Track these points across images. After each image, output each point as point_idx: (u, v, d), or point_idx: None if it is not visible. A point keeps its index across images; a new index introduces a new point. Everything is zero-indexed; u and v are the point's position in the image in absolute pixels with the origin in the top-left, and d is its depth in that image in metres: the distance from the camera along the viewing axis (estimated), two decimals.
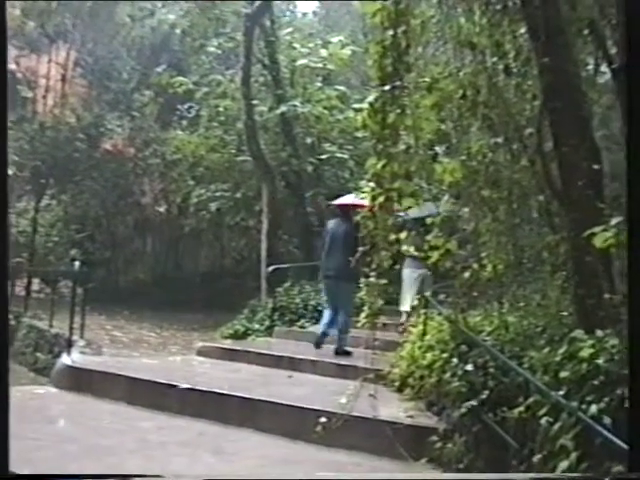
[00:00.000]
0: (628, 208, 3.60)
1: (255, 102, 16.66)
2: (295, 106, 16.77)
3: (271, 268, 13.83)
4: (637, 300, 3.48)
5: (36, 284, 19.75)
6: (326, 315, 10.11)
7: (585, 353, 4.73)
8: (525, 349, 5.81)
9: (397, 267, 6.53)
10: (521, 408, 5.01)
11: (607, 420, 4.24)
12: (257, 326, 12.78)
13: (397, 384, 7.71)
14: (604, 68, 8.21)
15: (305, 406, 6.81)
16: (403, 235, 6.46)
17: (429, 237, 6.76)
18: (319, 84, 17.81)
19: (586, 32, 7.52)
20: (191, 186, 19.29)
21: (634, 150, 3.52)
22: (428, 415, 6.66)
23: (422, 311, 8.30)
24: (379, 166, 6.29)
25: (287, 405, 6.95)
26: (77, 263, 12.11)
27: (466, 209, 7.41)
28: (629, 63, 3.62)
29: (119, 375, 7.93)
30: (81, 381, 8.14)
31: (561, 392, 4.70)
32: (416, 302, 8.83)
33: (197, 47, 20.35)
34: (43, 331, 13.22)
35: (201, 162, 18.79)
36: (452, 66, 6.91)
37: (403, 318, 10.57)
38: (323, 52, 17.67)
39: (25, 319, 14.74)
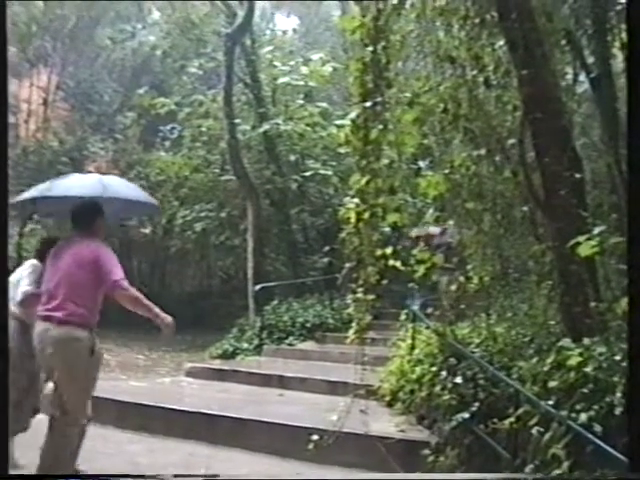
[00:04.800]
0: (629, 214, 3.63)
1: (238, 121, 16.67)
2: (278, 124, 16.80)
3: (258, 287, 13.80)
4: (637, 309, 3.49)
5: None
6: None
7: (573, 362, 4.76)
8: (514, 359, 5.83)
9: (384, 282, 6.51)
10: (512, 419, 5.02)
11: (597, 428, 4.25)
12: (246, 345, 12.73)
13: (387, 399, 7.70)
14: (582, 77, 8.30)
15: (296, 424, 6.80)
16: (389, 250, 6.46)
17: (415, 251, 6.77)
18: (301, 101, 17.84)
19: (563, 43, 7.60)
20: (176, 207, 19.22)
21: (635, 155, 3.55)
22: (419, 429, 6.65)
23: (410, 325, 8.30)
24: (363, 182, 6.31)
25: (278, 424, 6.93)
26: None
27: (451, 222, 7.45)
28: (630, 66, 3.66)
29: (108, 399, 7.87)
30: None
31: (551, 401, 4.71)
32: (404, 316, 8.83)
33: (178, 68, 20.37)
34: None
35: (185, 183, 18.77)
36: (432, 80, 6.95)
37: None
38: (304, 69, 17.72)
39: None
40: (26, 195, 5.88)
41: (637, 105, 3.57)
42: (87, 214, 5.32)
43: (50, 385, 5.15)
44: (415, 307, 8.84)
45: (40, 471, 4.91)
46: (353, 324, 6.70)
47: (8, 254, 3.55)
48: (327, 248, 16.13)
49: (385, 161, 6.48)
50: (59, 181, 5.83)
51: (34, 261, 5.71)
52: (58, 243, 5.39)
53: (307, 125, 17.25)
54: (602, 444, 4.00)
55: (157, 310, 5.15)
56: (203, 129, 18.49)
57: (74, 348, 4.93)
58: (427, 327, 7.86)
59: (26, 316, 5.44)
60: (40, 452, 4.96)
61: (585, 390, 4.59)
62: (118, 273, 5.03)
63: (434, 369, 6.71)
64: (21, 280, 5.54)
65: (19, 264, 5.85)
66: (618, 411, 4.22)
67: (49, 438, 4.99)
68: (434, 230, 9.65)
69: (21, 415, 5.47)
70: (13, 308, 5.38)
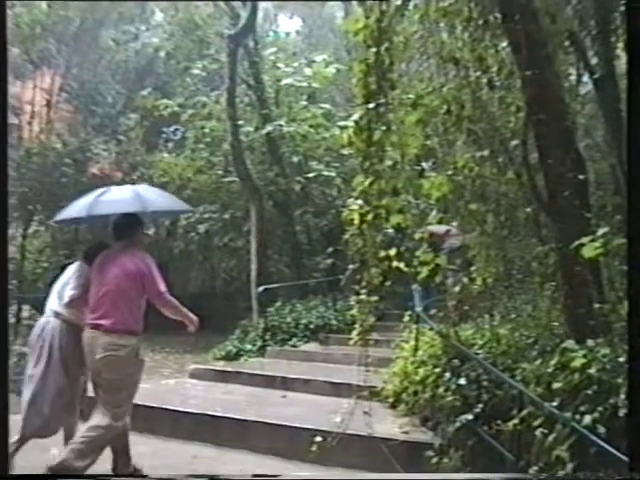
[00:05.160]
0: (628, 216, 3.62)
1: (241, 123, 16.65)
2: (281, 125, 16.79)
3: (261, 288, 13.77)
4: (636, 310, 3.49)
5: (26, 311, 19.62)
6: None
7: (577, 363, 4.75)
8: (517, 361, 5.82)
9: (388, 283, 6.51)
10: (515, 420, 5.02)
11: (601, 429, 4.25)
12: (249, 347, 12.70)
13: (391, 400, 7.69)
14: (586, 79, 8.30)
15: (300, 426, 6.79)
16: (392, 252, 6.46)
17: (418, 252, 6.76)
18: (304, 103, 17.82)
19: (567, 44, 7.60)
20: None
21: (633, 158, 3.55)
22: (423, 430, 6.64)
23: (414, 326, 8.29)
24: (366, 183, 6.31)
25: (282, 425, 6.92)
26: None
27: (454, 223, 7.45)
28: (630, 68, 3.66)
29: None
30: None
31: (555, 403, 4.71)
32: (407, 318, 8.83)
33: (181, 69, 20.36)
34: None
35: (188, 184, 18.74)
36: (436, 82, 6.96)
37: None
38: (307, 71, 17.71)
39: (16, 347, 14.62)
40: (68, 214, 6.14)
41: (637, 106, 3.57)
42: (128, 227, 5.68)
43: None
44: (418, 308, 8.83)
45: (78, 453, 5.20)
46: (356, 325, 6.70)
47: (8, 255, 3.57)
48: (330, 249, 16.11)
49: (388, 162, 6.48)
50: (99, 197, 5.93)
51: (80, 263, 5.90)
52: (102, 253, 5.66)
53: (310, 126, 17.24)
54: (606, 446, 4.00)
55: (190, 315, 5.68)
56: (206, 130, 18.48)
57: (121, 354, 5.29)
58: (431, 328, 7.86)
59: (74, 318, 5.68)
60: (79, 436, 5.34)
61: (589, 392, 4.59)
62: (160, 285, 5.49)
63: (438, 370, 6.70)
64: (68, 283, 5.78)
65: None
66: (622, 413, 4.22)
67: (92, 426, 5.33)
68: (452, 230, 9.63)
69: (66, 415, 5.69)
70: (60, 309, 5.72)
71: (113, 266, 5.46)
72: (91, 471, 5.28)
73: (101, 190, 6.03)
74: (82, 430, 5.38)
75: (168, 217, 6.24)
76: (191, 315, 5.69)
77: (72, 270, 5.89)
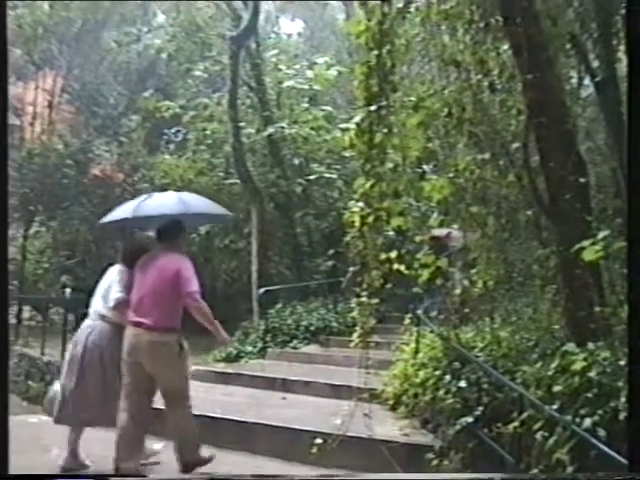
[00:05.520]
0: (627, 221, 3.62)
1: (242, 124, 16.66)
2: (282, 127, 16.80)
3: (262, 290, 13.78)
4: (636, 313, 3.49)
5: (27, 312, 19.62)
6: None
7: (577, 366, 4.75)
8: (518, 364, 5.81)
9: (388, 286, 6.52)
10: (516, 423, 5.01)
11: (602, 433, 4.24)
12: (250, 348, 12.69)
13: (391, 403, 7.69)
14: (587, 81, 8.30)
15: (300, 428, 6.79)
16: (393, 254, 6.46)
17: (419, 255, 6.76)
18: (305, 105, 17.83)
19: (568, 47, 7.60)
20: None
21: (633, 161, 3.55)
22: (423, 433, 6.64)
23: (414, 329, 8.29)
24: (367, 186, 6.32)
25: (282, 427, 6.92)
26: (68, 290, 12.07)
27: (455, 225, 7.45)
28: (631, 71, 3.66)
29: None
30: None
31: (555, 406, 4.70)
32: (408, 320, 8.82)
33: (183, 71, 20.38)
34: (35, 359, 13.12)
35: (189, 186, 18.66)
36: (437, 84, 6.96)
37: None
38: (309, 73, 17.72)
39: (16, 347, 14.64)
40: (114, 216, 6.60)
41: (638, 109, 3.57)
42: (172, 231, 6.05)
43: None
44: (419, 311, 8.83)
45: (183, 451, 5.79)
46: (357, 328, 6.71)
47: (8, 255, 3.58)
48: (331, 251, 16.13)
49: (389, 165, 6.49)
50: (143, 201, 6.41)
51: (120, 267, 6.20)
52: (143, 256, 6.03)
53: (312, 129, 17.25)
54: (606, 449, 3.99)
55: (219, 327, 5.91)
56: (208, 132, 18.48)
57: (163, 350, 5.67)
58: (431, 331, 7.86)
59: (120, 319, 5.94)
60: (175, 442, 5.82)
61: (589, 395, 4.58)
62: (193, 286, 5.72)
63: (438, 373, 6.70)
64: (112, 286, 6.06)
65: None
66: (622, 416, 4.22)
67: (171, 429, 5.86)
68: (453, 233, 9.63)
69: (110, 412, 5.85)
70: (106, 312, 6.07)
71: (154, 268, 5.84)
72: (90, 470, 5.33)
73: (145, 195, 6.58)
74: (176, 437, 5.84)
75: (208, 221, 6.80)
76: (223, 333, 6.00)
77: (114, 274, 6.18)
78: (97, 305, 6.19)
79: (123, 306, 5.89)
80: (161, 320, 5.69)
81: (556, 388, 4.84)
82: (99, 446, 6.73)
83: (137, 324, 5.71)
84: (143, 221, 6.62)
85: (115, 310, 5.96)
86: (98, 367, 5.96)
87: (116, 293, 5.98)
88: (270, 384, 9.52)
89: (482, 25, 6.47)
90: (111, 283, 6.12)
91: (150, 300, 5.73)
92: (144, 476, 5.84)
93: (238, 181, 16.68)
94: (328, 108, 17.88)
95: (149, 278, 5.80)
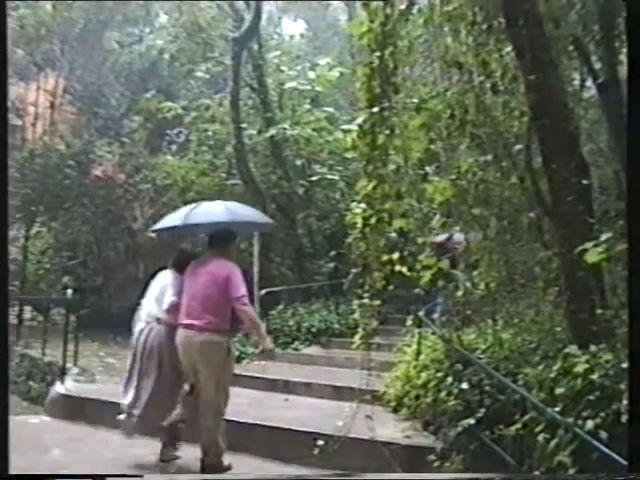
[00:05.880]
0: (627, 223, 3.62)
1: (244, 125, 16.65)
2: (284, 129, 16.78)
3: (264, 291, 13.77)
4: (637, 315, 3.48)
5: (28, 312, 19.60)
6: None
7: (580, 369, 4.74)
8: (520, 366, 5.81)
9: (390, 287, 6.52)
10: (518, 425, 5.01)
11: (604, 435, 4.24)
12: (251, 350, 12.69)
13: (393, 404, 7.69)
14: (589, 83, 8.29)
15: (302, 429, 6.79)
16: (395, 256, 6.46)
17: (421, 257, 6.76)
18: (307, 106, 17.81)
19: (571, 49, 7.59)
20: None
21: (633, 163, 3.55)
22: (425, 435, 6.64)
23: (416, 330, 8.28)
24: (370, 187, 6.32)
25: (283, 428, 6.92)
26: (69, 291, 12.05)
27: (457, 227, 7.44)
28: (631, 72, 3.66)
29: (113, 402, 7.88)
30: (75, 409, 8.10)
31: (557, 408, 4.70)
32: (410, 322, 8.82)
33: (185, 72, 20.37)
34: (36, 359, 13.09)
35: (192, 187, 18.69)
36: (440, 86, 6.96)
37: None
38: (311, 74, 17.70)
39: (17, 348, 14.63)
40: (165, 224, 7.06)
41: (637, 111, 3.57)
42: (224, 239, 6.38)
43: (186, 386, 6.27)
44: (421, 312, 8.82)
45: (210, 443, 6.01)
46: (359, 329, 6.71)
47: (8, 255, 3.59)
48: (333, 253, 16.11)
49: (392, 166, 6.49)
50: (193, 210, 6.77)
51: (170, 272, 6.59)
52: (193, 262, 6.38)
53: (314, 130, 17.22)
54: (608, 451, 3.99)
55: (264, 333, 6.47)
56: (210, 133, 18.47)
57: (214, 350, 5.97)
58: (433, 333, 7.85)
59: (173, 321, 6.24)
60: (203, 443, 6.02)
61: (591, 397, 4.58)
62: (241, 290, 6.07)
63: (440, 375, 6.70)
64: (166, 290, 6.41)
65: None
66: (625, 418, 4.21)
67: (202, 430, 6.04)
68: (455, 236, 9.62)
69: (163, 411, 6.32)
70: (161, 315, 6.37)
71: (205, 273, 6.14)
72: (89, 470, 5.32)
73: (194, 204, 7.01)
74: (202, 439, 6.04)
75: (253, 229, 7.30)
76: (268, 341, 6.48)
77: (165, 278, 6.56)
78: (151, 308, 6.48)
79: (175, 309, 6.21)
80: (211, 322, 5.98)
81: (558, 390, 4.84)
82: (98, 446, 6.77)
83: (188, 326, 6.03)
84: (193, 228, 7.11)
85: (168, 313, 6.28)
86: (158, 366, 6.29)
87: (170, 297, 6.31)
88: (272, 386, 9.53)
89: (485, 27, 6.47)
90: (164, 287, 6.46)
91: (201, 303, 6.03)
92: (141, 476, 5.85)
93: (240, 182, 16.68)
94: (330, 109, 17.86)
95: (200, 282, 6.11)
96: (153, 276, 6.77)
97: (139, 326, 6.49)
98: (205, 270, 6.17)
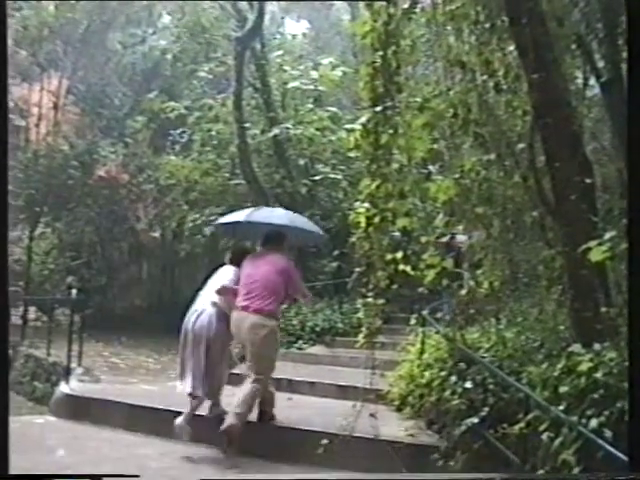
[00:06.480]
0: (628, 222, 3.62)
1: (247, 125, 16.69)
2: (287, 128, 16.81)
3: None
4: (636, 313, 3.48)
5: (32, 312, 19.63)
6: None
7: (584, 367, 4.74)
8: (524, 365, 5.81)
9: (394, 286, 6.52)
10: (522, 424, 5.00)
11: (608, 434, 4.23)
12: None
13: (397, 403, 7.69)
14: (592, 82, 8.28)
15: (306, 428, 6.80)
16: (399, 255, 6.45)
17: (425, 255, 6.75)
18: (310, 106, 17.83)
19: (574, 47, 7.58)
20: (185, 211, 19.16)
21: (634, 162, 3.54)
22: (429, 433, 6.63)
23: (420, 329, 8.28)
24: (373, 186, 6.32)
25: (287, 427, 6.92)
26: (74, 291, 12.07)
27: (460, 227, 7.43)
28: (631, 73, 3.65)
29: (118, 402, 7.91)
30: (80, 409, 8.11)
31: (561, 407, 4.69)
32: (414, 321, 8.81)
33: (188, 72, 20.43)
34: (40, 360, 13.12)
35: (195, 187, 18.74)
36: (443, 85, 6.95)
37: None
38: (314, 74, 17.73)
39: (22, 348, 14.66)
40: (228, 219, 8.01)
41: (638, 110, 3.56)
42: (278, 238, 7.17)
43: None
44: (425, 311, 8.82)
45: (241, 415, 6.49)
46: (363, 328, 6.71)
47: (8, 255, 3.60)
48: (337, 252, 16.10)
49: (395, 165, 6.50)
50: (255, 211, 8.03)
51: (229, 267, 7.27)
52: (249, 256, 7.18)
53: (317, 129, 17.24)
54: (612, 450, 3.98)
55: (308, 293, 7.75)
56: (213, 133, 18.49)
57: (264, 331, 6.62)
58: (437, 332, 7.85)
59: (224, 305, 6.93)
60: (238, 402, 6.51)
61: (595, 396, 4.57)
62: (301, 283, 7.35)
63: (443, 374, 6.70)
64: (224, 281, 7.08)
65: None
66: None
67: (246, 393, 6.61)
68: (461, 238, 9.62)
69: (215, 384, 7.00)
70: (217, 300, 6.97)
71: (264, 262, 6.90)
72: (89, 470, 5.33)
73: (254, 207, 8.41)
74: (239, 396, 6.56)
75: (307, 237, 7.71)
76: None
77: (224, 271, 7.25)
78: (210, 296, 7.05)
79: (226, 292, 6.90)
80: (265, 306, 6.65)
81: (562, 389, 4.83)
82: (99, 446, 6.78)
83: (244, 308, 6.68)
84: (251, 226, 7.62)
85: (219, 294, 6.94)
86: (204, 344, 6.80)
87: (224, 282, 7.01)
88: (275, 385, 9.51)
89: (488, 26, 6.47)
90: (223, 279, 7.10)
91: (259, 289, 6.71)
92: (138, 475, 5.85)
93: (243, 182, 16.71)
94: (333, 109, 17.88)
95: (260, 270, 6.82)
96: (213, 272, 7.42)
97: (190, 312, 7.01)
98: (264, 261, 6.90)
